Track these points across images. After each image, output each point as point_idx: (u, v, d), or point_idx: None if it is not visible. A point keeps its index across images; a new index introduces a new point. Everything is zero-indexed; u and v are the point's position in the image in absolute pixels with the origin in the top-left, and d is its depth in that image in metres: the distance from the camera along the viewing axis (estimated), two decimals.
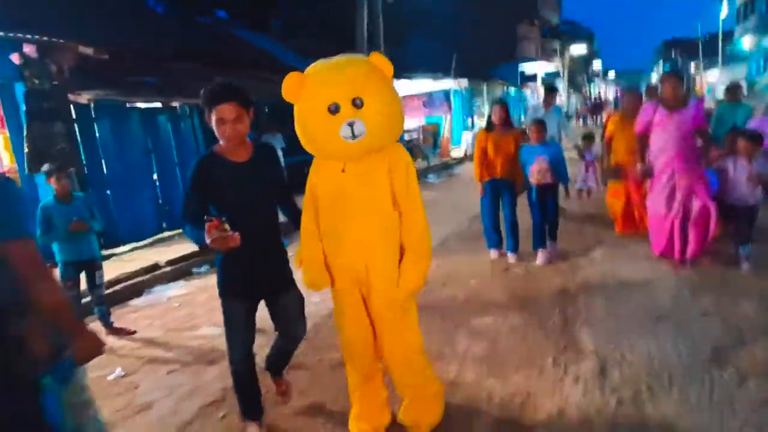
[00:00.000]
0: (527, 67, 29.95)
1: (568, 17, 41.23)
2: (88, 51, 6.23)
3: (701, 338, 3.08)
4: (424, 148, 14.47)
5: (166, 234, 7.00)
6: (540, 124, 4.78)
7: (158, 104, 7.11)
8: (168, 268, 5.40)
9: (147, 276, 5.18)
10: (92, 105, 6.15)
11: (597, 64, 51.09)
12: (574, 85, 38.69)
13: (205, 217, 2.04)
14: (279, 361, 2.63)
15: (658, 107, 4.30)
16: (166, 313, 4.45)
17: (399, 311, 2.24)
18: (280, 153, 9.57)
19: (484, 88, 20.96)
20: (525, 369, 2.89)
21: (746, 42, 27.66)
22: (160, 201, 7.14)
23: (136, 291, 4.94)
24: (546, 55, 32.58)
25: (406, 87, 14.50)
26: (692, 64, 30.86)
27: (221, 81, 2.13)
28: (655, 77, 57.85)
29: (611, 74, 68.74)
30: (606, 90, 53.73)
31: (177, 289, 5.09)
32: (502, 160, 4.73)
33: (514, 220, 4.90)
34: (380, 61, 2.14)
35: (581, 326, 3.40)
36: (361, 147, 2.07)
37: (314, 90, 2.07)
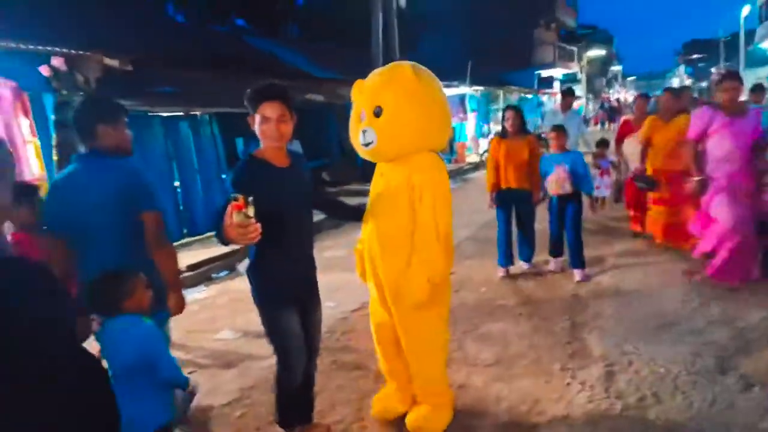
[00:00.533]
0: (544, 72, 29.82)
1: (586, 20, 40.91)
2: (114, 62, 6.48)
3: (707, 345, 3.11)
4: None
5: (187, 240, 7.19)
6: (560, 131, 4.53)
7: (179, 112, 7.33)
8: (189, 273, 5.57)
9: None
10: None
11: (616, 68, 50.53)
12: (592, 89, 38.34)
13: (230, 195, 1.82)
14: (305, 390, 2.40)
15: (717, 112, 3.95)
16: (187, 317, 4.52)
17: (409, 311, 2.27)
18: None
19: (501, 93, 20.93)
20: (533, 375, 2.96)
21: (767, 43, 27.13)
22: (181, 207, 7.35)
23: None
24: (563, 59, 32.35)
25: None
26: (713, 69, 30.41)
27: (266, 82, 2.11)
28: (676, 81, 56.87)
29: (631, 78, 67.86)
30: (626, 94, 53.17)
31: (197, 293, 5.26)
32: (515, 168, 4.49)
33: (529, 233, 4.69)
34: (408, 71, 2.17)
35: (590, 332, 3.45)
36: (374, 154, 2.20)
37: (356, 97, 2.30)
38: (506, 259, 4.76)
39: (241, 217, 1.77)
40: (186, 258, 6.02)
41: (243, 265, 5.97)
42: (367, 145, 2.17)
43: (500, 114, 20.89)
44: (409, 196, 2.18)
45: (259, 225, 1.82)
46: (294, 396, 2.32)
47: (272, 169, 2.10)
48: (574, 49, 33.10)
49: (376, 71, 2.30)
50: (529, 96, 25.78)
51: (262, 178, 2.05)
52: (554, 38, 32.10)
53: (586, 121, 26.01)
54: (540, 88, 28.26)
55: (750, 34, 32.00)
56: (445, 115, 2.34)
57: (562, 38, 33.39)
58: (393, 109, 2.14)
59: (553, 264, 4.78)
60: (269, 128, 2.04)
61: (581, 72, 33.17)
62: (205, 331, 4.19)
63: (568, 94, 6.72)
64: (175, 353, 3.75)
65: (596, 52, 34.68)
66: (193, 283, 5.49)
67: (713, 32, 41.96)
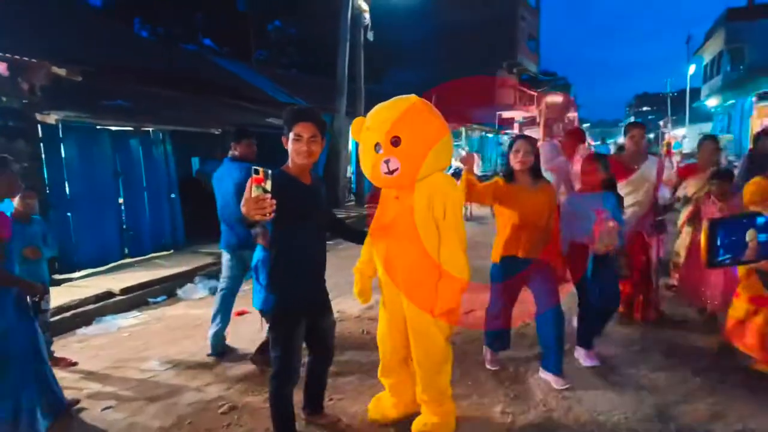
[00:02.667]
0: (505, 113, 30.82)
1: (545, 67, 42.83)
2: (61, 71, 6.20)
3: (648, 393, 3.10)
4: None
5: (128, 260, 6.83)
6: (598, 162, 3.39)
7: (130, 127, 7.05)
8: (122, 297, 5.24)
9: (98, 304, 5.00)
10: (60, 125, 6.07)
11: (573, 114, 52.85)
12: (550, 132, 39.83)
13: (253, 168, 1.98)
14: (319, 385, 2.73)
15: None
16: (115, 344, 4.29)
17: (428, 322, 2.48)
18: None
19: (463, 130, 21.43)
20: (473, 418, 2.86)
21: (711, 101, 29.08)
22: (125, 226, 7.00)
23: (86, 319, 4.75)
24: (524, 102, 33.62)
25: None
26: (661, 122, 32.31)
27: (302, 105, 2.39)
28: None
29: (586, 125, 71.08)
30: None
31: (130, 318, 4.94)
32: (531, 230, 3.12)
33: (557, 330, 3.14)
34: (419, 102, 2.46)
35: (532, 375, 3.39)
36: (397, 180, 2.41)
37: (366, 132, 2.50)
38: (499, 342, 3.50)
39: (260, 191, 1.93)
40: (123, 280, 5.69)
41: (184, 291, 5.69)
42: (391, 172, 2.37)
43: (462, 150, 21.32)
44: (432, 215, 2.41)
45: (274, 201, 1.97)
46: (288, 408, 2.44)
47: (299, 184, 2.33)
48: (535, 93, 34.47)
49: (382, 106, 2.51)
50: (490, 135, 26.51)
51: (288, 191, 2.20)
52: (515, 81, 33.40)
53: None
54: (501, 128, 29.16)
55: (695, 92, 34.26)
56: (449, 138, 2.58)
57: (523, 82, 34.78)
58: (411, 138, 2.37)
59: (586, 357, 3.51)
60: (301, 146, 2.27)
61: (540, 116, 34.48)
62: (133, 360, 3.91)
63: (575, 136, 5.12)
64: (95, 385, 3.48)
65: (554, 98, 36.16)
66: (126, 307, 5.16)
67: (662, 87, 44.78)
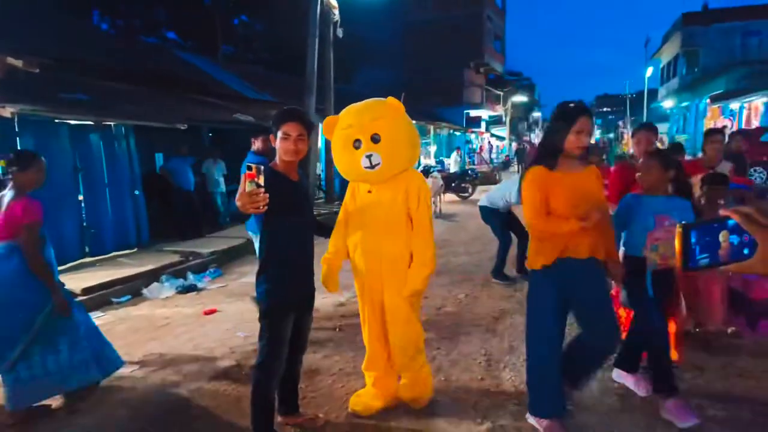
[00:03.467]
0: (473, 112, 31.24)
1: (511, 67, 43.60)
2: (17, 63, 5.93)
3: (617, 383, 3.19)
4: None
5: (89, 259, 6.59)
6: (664, 159, 2.81)
7: (90, 122, 6.79)
8: (84, 297, 5.05)
9: None
10: (16, 118, 5.80)
11: (537, 114, 54.04)
12: (515, 131, 40.61)
13: (246, 164, 2.09)
14: (293, 382, 2.72)
15: None
16: None
17: (406, 306, 2.69)
18: (221, 180, 9.42)
19: (431, 128, 21.59)
20: (446, 413, 2.88)
21: (668, 102, 30.25)
22: (85, 224, 6.75)
23: None
24: (490, 101, 34.13)
25: None
26: (620, 123, 33.39)
27: (291, 106, 2.55)
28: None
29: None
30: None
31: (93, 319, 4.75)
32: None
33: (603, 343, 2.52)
34: (395, 103, 2.70)
35: (504, 368, 3.45)
36: (378, 174, 2.60)
37: (343, 131, 2.65)
38: (558, 406, 2.56)
39: (253, 185, 2.05)
40: (84, 280, 5.49)
41: (150, 290, 5.53)
42: (373, 166, 2.55)
43: (431, 148, 21.27)
44: (406, 206, 2.63)
45: (267, 195, 2.09)
46: (271, 402, 2.47)
47: (287, 180, 2.39)
48: (501, 93, 35.07)
49: (356, 106, 2.70)
50: (458, 133, 26.80)
51: (277, 187, 2.27)
52: (483, 81, 33.88)
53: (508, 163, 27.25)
54: (468, 126, 29.53)
55: (653, 93, 35.55)
56: (418, 137, 2.84)
57: (490, 82, 35.31)
58: (390, 135, 2.59)
59: (634, 382, 2.98)
60: (289, 145, 2.36)
61: (506, 115, 35.10)
62: None
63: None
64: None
65: (520, 98, 36.87)
66: (88, 308, 4.94)
67: (622, 89, 46.27)
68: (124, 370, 3.58)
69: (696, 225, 0.94)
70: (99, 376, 3.21)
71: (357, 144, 2.60)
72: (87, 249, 6.71)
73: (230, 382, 3.36)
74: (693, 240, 0.94)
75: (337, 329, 4.31)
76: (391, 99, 2.73)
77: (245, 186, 2.07)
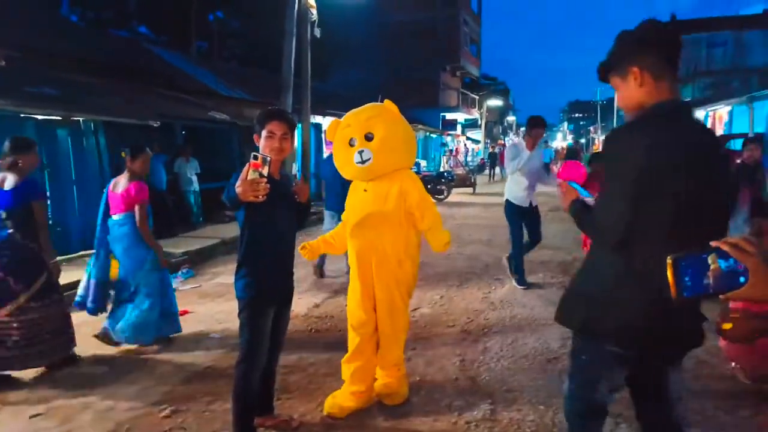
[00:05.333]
0: (449, 115, 31.49)
1: (487, 72, 44.12)
2: None
3: None
4: None
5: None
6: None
7: (58, 117, 6.59)
8: None
9: None
10: None
11: (511, 118, 54.88)
12: (490, 135, 41.13)
13: (252, 154, 2.15)
14: (268, 382, 2.69)
15: None
16: None
17: (397, 297, 2.84)
18: (194, 179, 9.26)
19: None
20: (421, 413, 2.91)
21: None
22: (51, 222, 6.52)
23: None
24: (466, 104, 34.48)
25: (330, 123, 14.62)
26: (591, 128, 34.22)
27: (275, 106, 2.61)
28: (560, 135, 62.78)
29: (523, 128, 74.05)
30: (518, 142, 57.43)
31: None
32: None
33: None
34: (391, 106, 2.92)
35: (478, 368, 3.50)
36: (369, 169, 2.76)
37: (342, 131, 2.88)
38: None
39: (256, 174, 2.10)
40: None
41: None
42: (364, 162, 2.73)
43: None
44: (400, 201, 2.77)
45: (268, 185, 2.13)
46: (253, 396, 2.46)
47: (271, 179, 2.31)
48: (476, 96, 35.46)
49: (357, 110, 2.90)
50: (434, 136, 26.97)
51: None
52: (459, 84, 34.21)
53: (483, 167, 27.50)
54: (444, 129, 29.76)
55: None
56: (415, 141, 3.04)
57: (465, 85, 35.68)
58: (383, 134, 2.77)
59: None
60: (273, 143, 2.38)
61: (481, 118, 35.52)
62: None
63: (535, 127, 5.18)
64: (19, 392, 3.20)
65: (495, 102, 37.37)
66: None
67: (593, 95, 47.41)
68: (89, 369, 3.50)
69: (685, 256, 0.97)
70: (170, 332, 4.04)
71: (352, 142, 2.80)
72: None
73: (202, 384, 3.30)
74: (684, 270, 0.96)
75: (312, 330, 4.29)
76: (388, 102, 2.94)
77: (248, 174, 2.11)
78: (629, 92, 1.61)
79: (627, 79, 1.60)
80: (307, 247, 2.96)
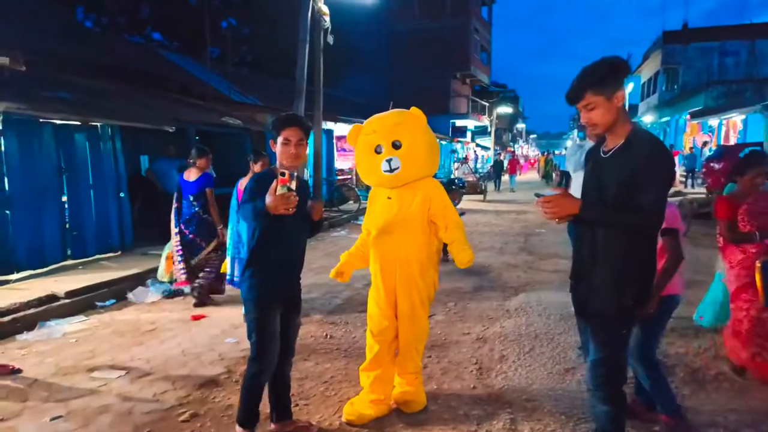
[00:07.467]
0: (458, 121, 31.48)
1: (496, 79, 44.07)
2: (4, 60, 5.80)
3: None
4: (359, 189, 14.59)
5: (71, 262, 6.44)
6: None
7: (76, 121, 6.66)
8: (67, 300, 4.93)
9: (42, 308, 4.68)
10: (0, 117, 5.66)
11: (521, 125, 54.73)
12: (500, 142, 41.05)
13: (279, 171, 2.23)
14: (284, 388, 2.71)
15: None
16: (61, 350, 4.03)
17: (418, 306, 2.83)
18: None
19: None
20: (439, 422, 2.89)
21: (648, 117, 30.89)
22: (68, 225, 6.59)
23: (28, 324, 4.42)
24: (476, 111, 34.45)
25: (341, 129, 14.68)
26: None
27: (289, 112, 2.65)
28: (570, 142, 62.59)
29: (533, 136, 73.87)
30: (528, 149, 57.50)
31: (76, 323, 4.65)
32: None
33: None
34: (418, 113, 2.88)
35: (496, 377, 3.47)
36: (397, 178, 2.76)
37: (366, 137, 2.85)
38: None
39: (285, 189, 2.21)
40: (67, 283, 5.37)
41: (135, 294, 5.43)
42: (392, 170, 2.72)
43: None
44: (424, 209, 2.78)
45: (297, 198, 2.24)
46: (259, 396, 2.52)
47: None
48: (486, 104, 35.42)
49: (381, 115, 2.89)
50: (444, 142, 26.94)
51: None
52: (469, 91, 34.20)
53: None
54: (454, 136, 29.74)
55: (633, 108, 36.27)
56: (438, 148, 3.01)
57: (475, 92, 35.66)
58: (411, 142, 2.76)
59: None
60: (289, 149, 2.44)
61: (491, 125, 35.47)
62: (81, 367, 3.68)
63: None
64: (41, 393, 3.25)
65: (505, 109, 37.30)
66: (71, 311, 4.86)
67: None
68: (109, 374, 3.52)
69: None
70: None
71: (378, 149, 2.78)
72: (69, 251, 6.56)
73: (220, 389, 3.31)
74: None
75: (327, 336, 4.28)
76: (414, 109, 2.90)
77: (278, 190, 2.20)
78: (611, 113, 1.92)
79: (611, 100, 1.91)
80: (340, 272, 3.00)
